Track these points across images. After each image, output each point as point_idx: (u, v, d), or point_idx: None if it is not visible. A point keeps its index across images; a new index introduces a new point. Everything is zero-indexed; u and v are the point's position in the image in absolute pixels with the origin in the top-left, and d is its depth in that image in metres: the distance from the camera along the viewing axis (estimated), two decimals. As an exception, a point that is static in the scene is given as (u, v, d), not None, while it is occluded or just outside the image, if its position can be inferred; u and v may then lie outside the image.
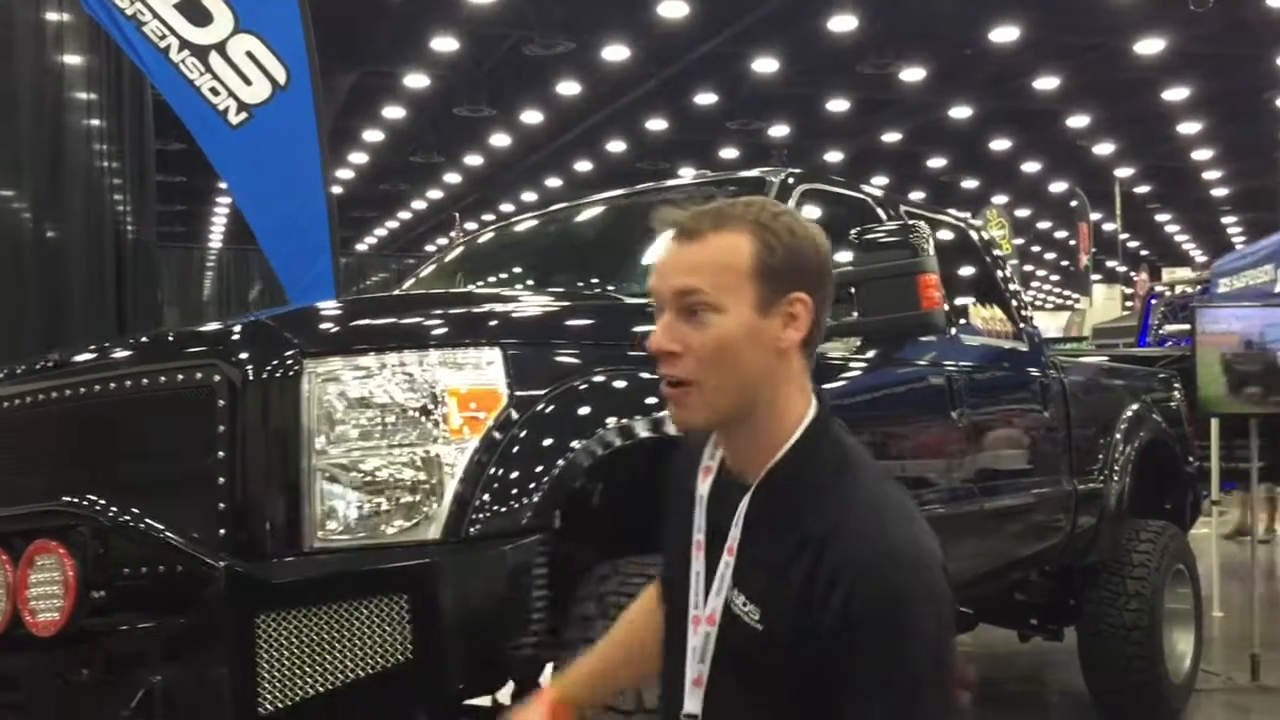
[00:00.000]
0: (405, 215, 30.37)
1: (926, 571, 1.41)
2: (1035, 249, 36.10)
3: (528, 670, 2.69)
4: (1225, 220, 31.60)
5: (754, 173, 3.94)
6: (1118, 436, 5.01)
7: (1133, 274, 22.35)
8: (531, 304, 3.09)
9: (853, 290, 3.21)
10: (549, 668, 2.59)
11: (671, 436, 2.84)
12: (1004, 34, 16.03)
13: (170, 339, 2.73)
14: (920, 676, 1.38)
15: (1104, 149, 23.01)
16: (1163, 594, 4.86)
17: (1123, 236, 27.06)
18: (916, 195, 25.78)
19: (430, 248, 28.95)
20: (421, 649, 2.25)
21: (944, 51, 17.12)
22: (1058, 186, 25.66)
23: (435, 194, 27.63)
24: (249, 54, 5.53)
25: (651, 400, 2.90)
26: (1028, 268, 36.68)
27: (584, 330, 2.96)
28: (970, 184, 26.60)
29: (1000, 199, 24.87)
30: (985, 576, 4.31)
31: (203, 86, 5.50)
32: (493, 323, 2.71)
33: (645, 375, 2.93)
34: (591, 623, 2.52)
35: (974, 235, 4.87)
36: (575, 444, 2.58)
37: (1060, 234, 30.10)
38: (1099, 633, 4.80)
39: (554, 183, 25.17)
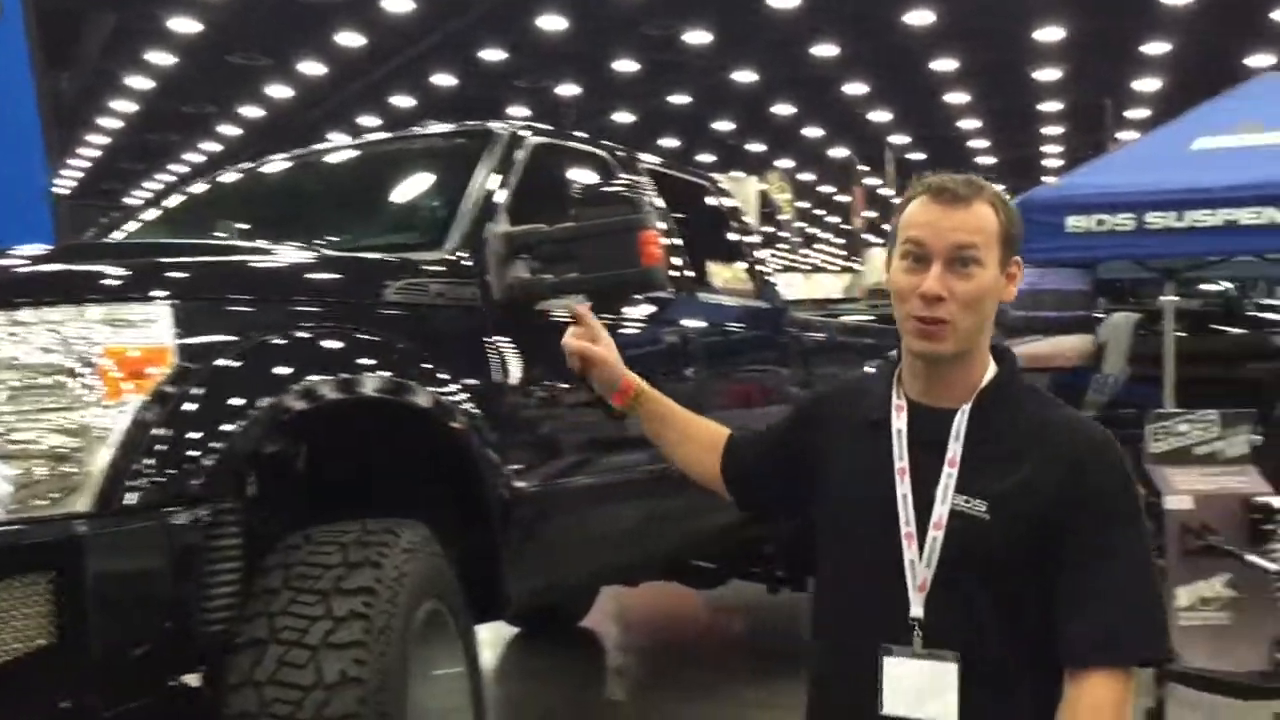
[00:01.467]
0: (178, 168, 28.77)
1: (1122, 452, 1.82)
2: (819, 212, 37.32)
3: (215, 648, 2.51)
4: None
5: (482, 125, 3.81)
6: (857, 393, 5.15)
7: (907, 238, 23.37)
8: (218, 256, 2.86)
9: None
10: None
11: (376, 397, 2.69)
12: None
13: None
14: (1143, 524, 1.77)
15: (879, 116, 23.91)
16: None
17: (896, 201, 28.25)
18: (705, 158, 26.18)
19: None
20: (67, 630, 2.05)
21: (727, 15, 17.34)
22: (838, 152, 26.54)
23: (211, 146, 26.29)
24: (-53, -20, 5.02)
25: (366, 360, 2.75)
26: (811, 230, 37.90)
27: (279, 285, 2.77)
28: (757, 148, 27.20)
29: (785, 163, 25.53)
30: (727, 529, 4.34)
31: (-107, 15, 4.96)
32: (169, 274, 2.48)
33: (363, 336, 2.78)
34: (276, 595, 2.37)
35: (718, 198, 4.90)
36: (261, 404, 2.39)
37: (842, 199, 31.21)
38: None
39: (339, 138, 24.32)
